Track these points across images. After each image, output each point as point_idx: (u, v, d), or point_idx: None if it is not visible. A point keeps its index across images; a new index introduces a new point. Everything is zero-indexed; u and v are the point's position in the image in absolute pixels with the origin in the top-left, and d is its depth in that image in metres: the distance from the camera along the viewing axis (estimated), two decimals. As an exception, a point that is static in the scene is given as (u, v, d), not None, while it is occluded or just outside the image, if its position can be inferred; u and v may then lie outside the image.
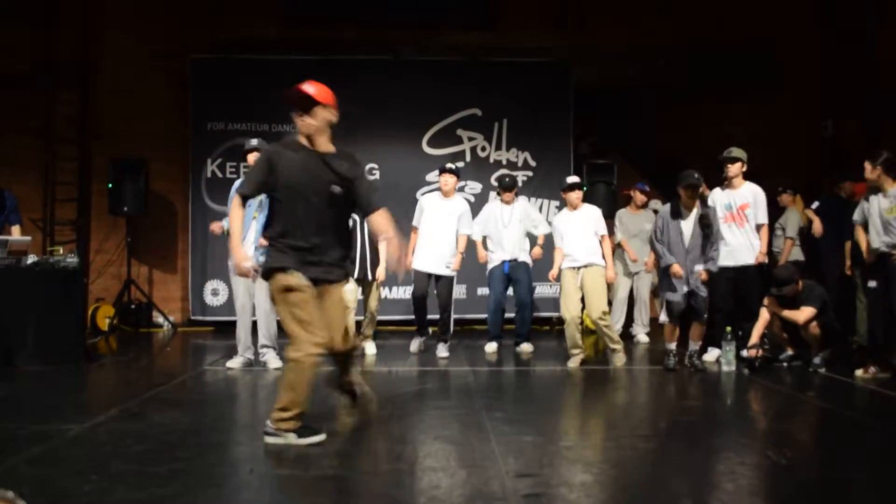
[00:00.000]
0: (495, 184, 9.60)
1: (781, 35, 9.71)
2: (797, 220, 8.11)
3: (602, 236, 6.83)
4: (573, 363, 6.65)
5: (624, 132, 10.35)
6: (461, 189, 9.58)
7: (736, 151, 6.83)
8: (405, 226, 7.46)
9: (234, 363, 6.41)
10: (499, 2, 9.91)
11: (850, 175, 7.82)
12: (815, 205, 8.20)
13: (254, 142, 6.64)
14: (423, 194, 8.84)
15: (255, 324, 6.48)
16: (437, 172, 9.54)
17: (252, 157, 6.45)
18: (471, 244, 7.53)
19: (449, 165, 7.54)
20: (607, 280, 6.79)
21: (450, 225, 7.26)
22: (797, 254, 7.98)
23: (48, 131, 9.42)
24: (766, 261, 6.91)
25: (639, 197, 8.67)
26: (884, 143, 6.60)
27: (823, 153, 9.78)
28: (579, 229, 6.78)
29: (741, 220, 6.77)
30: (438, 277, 7.23)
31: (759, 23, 9.72)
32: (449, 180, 7.34)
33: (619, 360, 6.67)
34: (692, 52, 9.71)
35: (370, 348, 7.31)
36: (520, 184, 9.10)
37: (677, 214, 6.40)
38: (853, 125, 9.39)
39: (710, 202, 6.79)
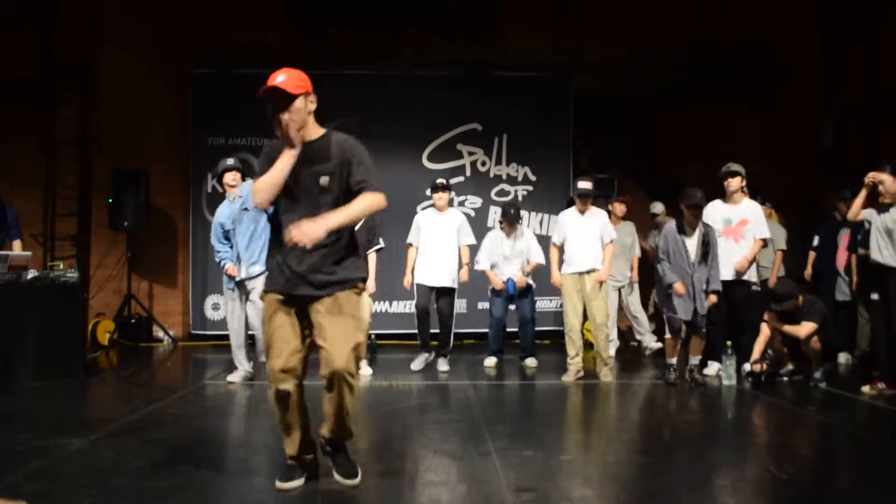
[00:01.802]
0: (495, 198, 9.65)
1: (781, 35, 9.71)
2: (784, 232, 8.05)
3: (608, 243, 6.80)
4: (569, 377, 6.64)
5: (623, 143, 10.36)
6: (461, 203, 9.64)
7: (735, 166, 6.86)
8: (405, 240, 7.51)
9: (235, 377, 6.43)
10: (498, 14, 9.93)
11: (846, 197, 7.77)
12: (816, 241, 8.05)
13: (230, 161, 6.56)
14: (423, 209, 8.82)
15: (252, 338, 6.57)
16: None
17: (229, 177, 6.45)
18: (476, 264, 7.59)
19: (440, 181, 7.40)
20: (598, 279, 6.67)
21: (449, 237, 7.25)
22: (781, 269, 7.85)
23: (48, 144, 9.43)
24: (746, 268, 6.82)
25: (618, 208, 8.58)
26: (884, 144, 6.59)
27: (823, 155, 9.78)
28: (586, 235, 6.74)
29: (738, 236, 6.80)
30: (440, 292, 7.21)
31: (759, 23, 9.72)
32: (443, 196, 7.31)
33: (606, 374, 6.65)
34: (692, 54, 9.68)
35: (364, 370, 6.95)
36: (521, 213, 8.98)
37: (682, 233, 6.42)
38: (853, 127, 9.40)
39: (708, 215, 6.80)
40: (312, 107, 3.40)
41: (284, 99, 3.29)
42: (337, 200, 3.39)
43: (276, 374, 3.33)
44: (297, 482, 3.43)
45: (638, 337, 8.72)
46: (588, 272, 6.70)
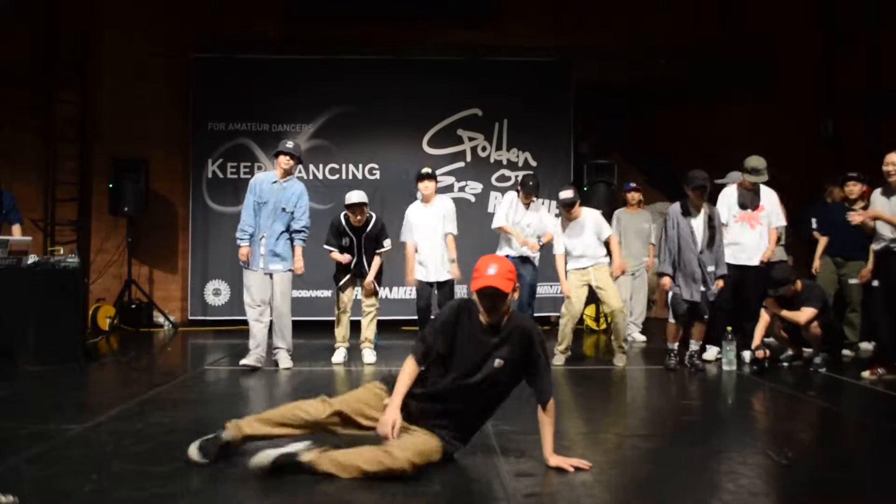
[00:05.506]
0: (496, 183, 9.63)
1: (781, 35, 9.71)
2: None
3: (608, 237, 6.85)
4: (557, 360, 6.69)
5: (624, 132, 10.34)
6: (462, 189, 9.61)
7: (763, 170, 6.67)
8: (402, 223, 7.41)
9: (249, 360, 6.35)
10: (499, 1, 9.89)
11: (837, 181, 7.70)
12: (814, 223, 8.01)
13: (289, 144, 6.46)
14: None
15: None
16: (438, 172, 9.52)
17: (283, 159, 6.36)
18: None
19: (426, 170, 7.18)
20: (615, 271, 6.82)
21: (438, 228, 7.06)
22: (780, 254, 7.64)
23: (48, 131, 9.41)
24: (769, 258, 6.81)
25: (632, 196, 8.60)
26: (884, 143, 6.59)
27: (823, 153, 9.77)
28: (583, 236, 6.76)
29: (754, 222, 6.77)
30: (440, 285, 7.08)
31: (759, 23, 9.72)
32: (429, 185, 7.10)
33: (621, 360, 6.67)
34: (692, 52, 9.69)
35: (369, 357, 6.95)
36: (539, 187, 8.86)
37: (687, 214, 6.41)
38: (853, 125, 9.39)
39: (722, 202, 6.79)
40: (516, 294, 3.54)
41: (498, 296, 3.42)
42: (499, 385, 3.58)
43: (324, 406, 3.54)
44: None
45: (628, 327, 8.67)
46: (594, 266, 6.72)
